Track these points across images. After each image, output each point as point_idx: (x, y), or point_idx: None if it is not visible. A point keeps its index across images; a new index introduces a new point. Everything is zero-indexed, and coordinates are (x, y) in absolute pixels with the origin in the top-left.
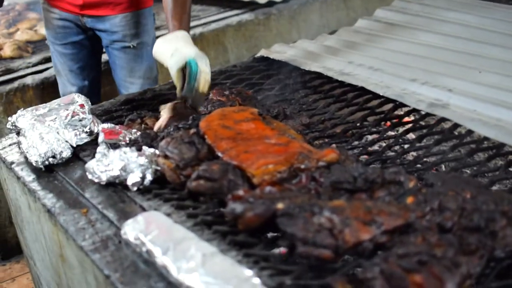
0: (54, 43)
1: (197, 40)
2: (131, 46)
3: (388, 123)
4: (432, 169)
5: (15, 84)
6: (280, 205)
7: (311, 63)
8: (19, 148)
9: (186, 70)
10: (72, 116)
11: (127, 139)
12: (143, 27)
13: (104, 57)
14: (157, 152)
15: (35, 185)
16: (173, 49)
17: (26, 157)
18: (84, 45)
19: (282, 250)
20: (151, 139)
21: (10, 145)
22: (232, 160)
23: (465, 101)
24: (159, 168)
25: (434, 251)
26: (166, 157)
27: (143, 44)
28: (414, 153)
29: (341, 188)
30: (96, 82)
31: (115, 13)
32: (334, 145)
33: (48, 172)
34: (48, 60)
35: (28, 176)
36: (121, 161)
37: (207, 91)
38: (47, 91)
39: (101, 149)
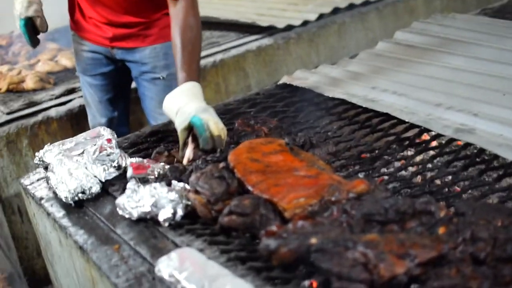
0: (84, 74)
1: (218, 67)
2: (161, 78)
3: (415, 149)
4: (461, 196)
5: (39, 117)
6: (313, 240)
7: (334, 89)
8: (48, 183)
9: (194, 129)
10: (100, 151)
11: (156, 173)
12: (172, 58)
13: (133, 85)
14: (187, 186)
15: (65, 221)
16: (177, 108)
17: (55, 193)
18: (113, 76)
19: (312, 282)
20: (180, 173)
21: (38, 180)
22: (263, 194)
23: (491, 125)
24: (189, 203)
25: (470, 283)
26: (196, 192)
27: (173, 76)
28: (442, 179)
29: (373, 220)
30: (125, 113)
31: (144, 45)
32: (362, 174)
33: (78, 207)
34: (70, 91)
35: (58, 212)
36: (151, 197)
37: (224, 136)
38: (71, 123)
39: (131, 184)
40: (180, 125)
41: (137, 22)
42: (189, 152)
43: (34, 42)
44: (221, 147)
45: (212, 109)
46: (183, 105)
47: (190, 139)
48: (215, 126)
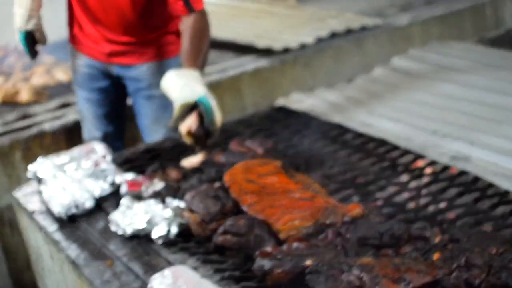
0: (80, 88)
1: (213, 86)
2: (157, 95)
3: (410, 175)
4: (455, 223)
5: (33, 130)
6: (308, 262)
7: (330, 113)
8: (40, 196)
9: (198, 108)
10: (95, 167)
11: (150, 190)
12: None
13: (129, 102)
14: (182, 205)
15: (58, 235)
16: (182, 83)
17: (47, 206)
18: (109, 91)
19: None
20: (174, 191)
21: (31, 193)
22: (258, 214)
23: (486, 154)
24: (184, 221)
25: None
26: (191, 210)
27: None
28: (436, 206)
29: (368, 244)
30: (121, 128)
31: (141, 62)
32: (356, 199)
33: (70, 222)
34: (65, 105)
35: (51, 226)
36: (146, 214)
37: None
38: (65, 137)
39: (125, 201)
40: (184, 98)
41: (135, 42)
42: (191, 122)
43: (33, 54)
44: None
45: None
46: (192, 84)
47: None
48: (219, 115)
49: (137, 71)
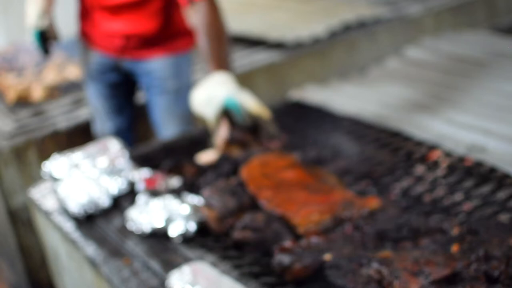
0: (91, 82)
1: None
2: (169, 89)
3: (426, 166)
4: (472, 214)
5: (47, 128)
6: (327, 257)
7: (344, 104)
8: (56, 195)
9: (228, 112)
10: (110, 164)
11: (167, 187)
12: (181, 70)
13: (141, 97)
14: (199, 201)
15: (75, 234)
16: (206, 98)
17: (64, 205)
18: (121, 85)
19: None
20: (191, 187)
21: (47, 192)
22: (276, 209)
23: (503, 144)
24: (201, 217)
25: None
26: (209, 207)
27: (181, 88)
28: (454, 197)
29: (386, 237)
30: (131, 122)
31: (153, 56)
32: (372, 191)
33: (87, 220)
34: (78, 102)
35: (68, 225)
36: (163, 211)
37: (267, 116)
38: (79, 134)
39: (142, 198)
40: (213, 112)
41: (150, 35)
42: (222, 133)
43: (46, 52)
44: (275, 132)
45: (247, 92)
46: (212, 90)
47: (224, 122)
48: (254, 104)
49: (149, 66)
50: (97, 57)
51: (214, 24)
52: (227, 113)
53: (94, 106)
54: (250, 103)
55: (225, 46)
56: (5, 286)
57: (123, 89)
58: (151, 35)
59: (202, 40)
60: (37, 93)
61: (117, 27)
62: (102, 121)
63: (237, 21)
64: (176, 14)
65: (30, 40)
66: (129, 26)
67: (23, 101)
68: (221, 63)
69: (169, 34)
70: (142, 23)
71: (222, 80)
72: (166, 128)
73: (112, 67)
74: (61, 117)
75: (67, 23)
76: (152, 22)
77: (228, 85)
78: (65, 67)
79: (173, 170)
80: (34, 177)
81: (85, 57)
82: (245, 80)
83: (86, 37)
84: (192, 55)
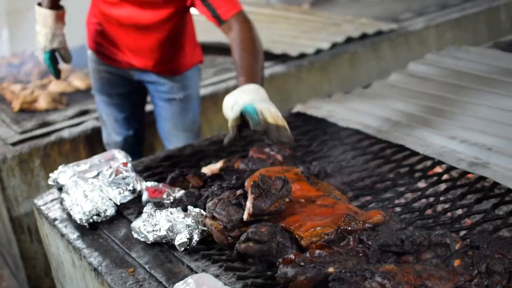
0: (100, 93)
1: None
2: (177, 99)
3: (428, 181)
4: (474, 229)
5: (52, 137)
6: (331, 269)
7: (348, 119)
8: (62, 204)
9: (245, 116)
10: (116, 174)
11: (171, 198)
12: (189, 80)
13: (148, 108)
14: (204, 212)
15: (79, 243)
16: (231, 103)
17: (69, 214)
18: (130, 96)
19: None
20: (196, 199)
21: (51, 200)
22: (280, 222)
23: (505, 160)
24: (206, 228)
25: None
26: (213, 218)
27: (189, 97)
28: (456, 212)
29: (389, 251)
30: (140, 132)
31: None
32: (375, 205)
33: (92, 229)
34: (84, 113)
35: (72, 234)
36: (168, 222)
37: (283, 124)
38: (84, 144)
39: (147, 208)
40: (232, 116)
41: (159, 59)
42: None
43: (58, 73)
44: (288, 139)
45: (271, 102)
46: (239, 97)
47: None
48: (269, 113)
49: (158, 75)
50: (107, 68)
51: (246, 40)
52: (244, 118)
53: (102, 118)
54: (267, 111)
55: (257, 60)
56: None
57: (132, 99)
58: (174, 50)
59: (235, 55)
60: (42, 102)
61: (144, 44)
62: (111, 132)
63: None
64: (190, 27)
65: (37, 55)
66: (156, 43)
67: (28, 110)
68: (253, 77)
69: (181, 53)
70: (167, 39)
71: (249, 89)
72: (173, 137)
73: (121, 77)
74: (66, 125)
75: (73, 34)
76: (176, 36)
77: (253, 94)
78: (71, 77)
79: (178, 181)
80: (37, 185)
81: (93, 68)
82: None
83: (95, 49)
84: (200, 67)
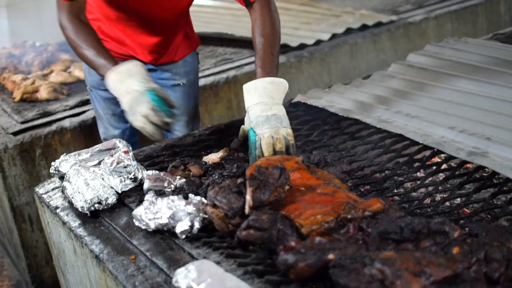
0: (97, 88)
1: (230, 83)
2: (181, 84)
3: (427, 170)
4: (472, 218)
5: (53, 127)
6: (331, 256)
7: (348, 109)
8: (63, 193)
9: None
10: (117, 163)
11: (172, 186)
12: (190, 65)
13: None
14: (204, 200)
15: (81, 231)
16: (247, 106)
17: (70, 202)
18: None
19: None
20: (196, 187)
21: (53, 189)
22: (280, 210)
23: (504, 149)
24: (207, 216)
25: None
26: (214, 206)
27: (191, 82)
28: (454, 201)
29: (388, 238)
30: None
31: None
32: (374, 194)
33: (93, 217)
34: (84, 103)
35: (74, 222)
36: (169, 209)
37: (279, 149)
38: (85, 133)
39: (149, 196)
40: (244, 125)
41: (162, 41)
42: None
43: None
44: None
45: (276, 117)
46: (251, 106)
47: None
48: (266, 146)
49: (159, 64)
50: None
51: (266, 24)
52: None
53: (99, 113)
54: (264, 144)
55: (275, 47)
56: (7, 283)
57: None
58: (174, 43)
59: (255, 39)
60: (43, 92)
61: (139, 40)
62: (108, 127)
63: (243, 25)
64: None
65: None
66: (168, 34)
67: (29, 100)
68: (270, 69)
69: (180, 36)
70: (172, 32)
71: (265, 92)
72: (176, 123)
73: None
74: (67, 115)
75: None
76: (179, 29)
77: (262, 107)
78: (72, 68)
79: (179, 170)
80: (38, 174)
81: None
82: (249, 80)
83: None
84: (197, 52)
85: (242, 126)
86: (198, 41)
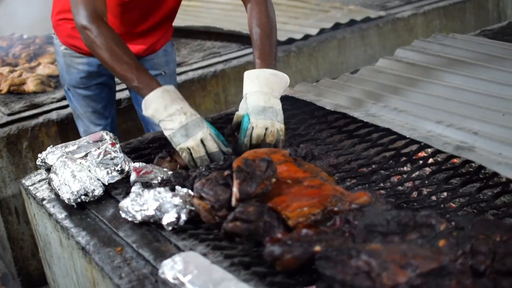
0: (77, 87)
1: (218, 77)
2: (163, 73)
3: (413, 164)
4: (458, 212)
5: (40, 119)
6: (317, 248)
7: (335, 103)
8: (50, 184)
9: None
10: (104, 155)
11: (159, 178)
12: (169, 55)
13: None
14: (191, 192)
15: (67, 222)
16: (244, 93)
17: (57, 194)
18: (107, 84)
19: None
20: (183, 179)
21: (39, 181)
22: (267, 202)
23: (490, 144)
24: (193, 208)
25: None
26: (201, 198)
27: (171, 72)
28: (441, 195)
29: (375, 231)
30: (115, 118)
31: (145, 52)
32: (361, 187)
33: (80, 209)
34: None
35: (60, 213)
36: (156, 201)
37: (270, 141)
38: (72, 126)
39: (135, 188)
40: (239, 111)
41: (147, 29)
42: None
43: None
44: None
45: (273, 109)
46: (250, 93)
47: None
48: (257, 136)
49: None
50: (87, 60)
51: (262, 14)
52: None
53: (78, 111)
54: (255, 132)
55: (271, 37)
56: None
57: (109, 87)
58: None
59: (252, 30)
60: (30, 84)
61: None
62: (88, 124)
63: (231, 19)
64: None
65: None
66: (158, 27)
67: (16, 92)
68: (268, 60)
69: (164, 27)
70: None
71: (264, 82)
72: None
73: (101, 67)
74: (54, 107)
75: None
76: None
77: (259, 97)
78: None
79: (166, 161)
80: (25, 166)
81: (70, 64)
82: (237, 76)
83: (74, 43)
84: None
85: (237, 112)
86: (172, 28)
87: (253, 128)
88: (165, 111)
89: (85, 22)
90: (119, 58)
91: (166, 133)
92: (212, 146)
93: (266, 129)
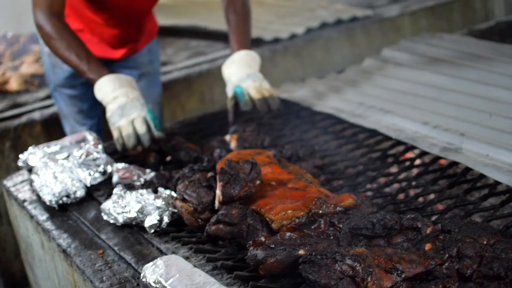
0: (62, 87)
1: (204, 76)
2: (146, 73)
3: (400, 166)
4: (445, 214)
5: (23, 119)
6: (301, 252)
7: (321, 103)
8: (31, 186)
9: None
10: (87, 156)
11: (142, 179)
12: (153, 53)
13: None
14: (174, 194)
15: (49, 224)
16: (226, 78)
17: (38, 196)
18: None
19: None
20: (166, 181)
21: (21, 182)
22: (250, 204)
23: (477, 145)
24: (176, 210)
25: None
26: (184, 200)
27: (155, 71)
28: (428, 197)
29: (360, 234)
30: (101, 118)
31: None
32: (347, 189)
33: (61, 211)
34: None
35: (42, 215)
36: (138, 203)
37: (269, 95)
38: (55, 126)
39: (117, 190)
40: (227, 93)
41: (136, 33)
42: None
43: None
44: (276, 106)
45: (256, 74)
46: (231, 74)
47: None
48: (255, 90)
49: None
50: None
51: (240, 2)
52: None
53: (63, 111)
54: (252, 89)
55: (247, 23)
56: None
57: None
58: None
59: (227, 16)
60: (13, 83)
61: (130, 32)
62: (74, 125)
63: (217, 18)
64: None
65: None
66: (142, 27)
67: None
68: (244, 43)
69: (148, 26)
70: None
71: (241, 59)
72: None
73: None
74: (37, 107)
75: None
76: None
77: (242, 70)
78: (42, 59)
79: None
80: (8, 167)
81: (56, 64)
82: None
83: None
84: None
85: (228, 98)
86: (157, 26)
87: (247, 88)
88: (112, 93)
89: (41, 21)
90: (73, 53)
91: (107, 115)
92: (141, 128)
93: (257, 88)
